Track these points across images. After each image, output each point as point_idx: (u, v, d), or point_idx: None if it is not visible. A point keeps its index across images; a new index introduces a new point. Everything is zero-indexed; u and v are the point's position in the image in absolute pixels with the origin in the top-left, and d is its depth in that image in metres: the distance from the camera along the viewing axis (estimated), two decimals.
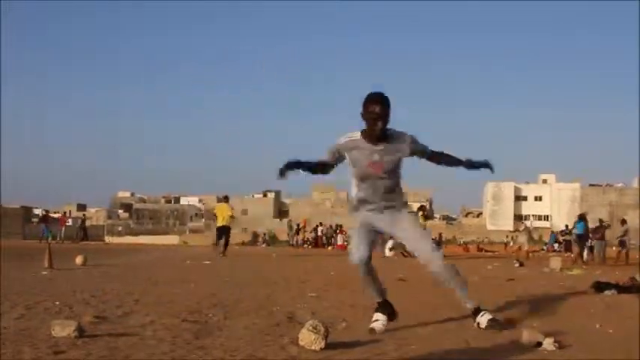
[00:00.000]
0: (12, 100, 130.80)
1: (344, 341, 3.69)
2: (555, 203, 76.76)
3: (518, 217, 76.75)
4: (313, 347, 3.42)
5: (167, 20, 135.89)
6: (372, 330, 4.16)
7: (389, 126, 4.08)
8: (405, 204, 4.36)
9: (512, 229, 61.63)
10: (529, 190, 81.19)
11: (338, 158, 4.24)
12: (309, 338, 3.44)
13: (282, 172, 4.21)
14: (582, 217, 19.83)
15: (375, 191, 4.19)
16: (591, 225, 19.80)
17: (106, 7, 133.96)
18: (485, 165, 4.38)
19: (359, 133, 4.11)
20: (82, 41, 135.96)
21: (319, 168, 4.33)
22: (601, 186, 78.17)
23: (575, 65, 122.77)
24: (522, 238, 21.69)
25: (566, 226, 23.01)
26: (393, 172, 4.20)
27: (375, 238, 4.37)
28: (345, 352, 3.42)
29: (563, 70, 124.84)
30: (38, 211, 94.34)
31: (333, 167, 4.32)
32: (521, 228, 22.64)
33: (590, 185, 78.11)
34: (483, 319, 4.21)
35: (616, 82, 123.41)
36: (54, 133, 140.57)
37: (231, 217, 17.03)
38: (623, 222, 19.78)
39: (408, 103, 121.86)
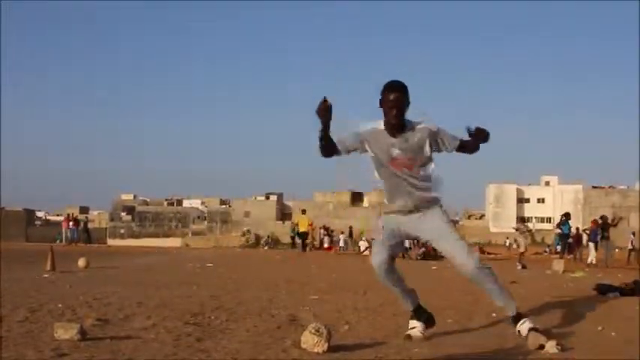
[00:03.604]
0: (12, 100, 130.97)
1: (346, 344, 3.69)
2: (558, 205, 76.63)
3: (521, 219, 76.64)
4: (315, 350, 3.42)
5: (167, 19, 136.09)
6: (408, 337, 3.98)
7: (410, 118, 3.92)
8: (437, 201, 4.03)
9: (513, 230, 61.36)
10: (531, 192, 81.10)
11: (355, 148, 3.96)
12: (311, 341, 3.44)
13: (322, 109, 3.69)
14: (567, 217, 20.30)
15: (400, 190, 3.95)
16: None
17: (106, 6, 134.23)
18: (479, 133, 3.95)
19: (381, 123, 3.92)
20: (83, 41, 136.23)
21: (333, 146, 3.91)
22: (604, 188, 78.05)
23: (578, 67, 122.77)
24: (521, 240, 22.09)
25: (577, 228, 22.97)
26: (419, 167, 3.95)
27: (398, 241, 4.11)
28: (347, 355, 3.42)
29: (566, 71, 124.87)
30: (41, 214, 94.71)
31: (339, 155, 3.96)
32: (522, 230, 22.83)
33: (593, 187, 78.01)
34: (523, 327, 3.92)
35: (618, 83, 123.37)
36: (55, 135, 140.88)
37: (310, 225, 24.16)
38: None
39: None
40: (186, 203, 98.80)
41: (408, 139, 3.91)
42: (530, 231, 22.39)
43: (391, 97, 3.85)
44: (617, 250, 20.80)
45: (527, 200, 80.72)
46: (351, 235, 37.61)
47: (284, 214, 79.80)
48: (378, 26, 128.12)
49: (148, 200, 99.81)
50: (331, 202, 74.72)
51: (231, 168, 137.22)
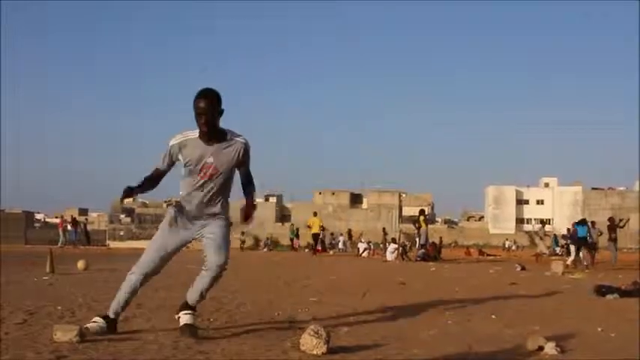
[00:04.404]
0: (11, 102, 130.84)
1: (345, 346, 3.69)
2: (557, 207, 76.68)
3: (520, 221, 76.69)
4: (315, 352, 3.42)
5: (167, 19, 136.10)
6: (87, 329, 3.89)
7: (231, 129, 3.98)
8: (226, 218, 4.14)
9: (513, 232, 61.65)
10: (531, 194, 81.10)
11: (171, 163, 4.03)
12: (310, 343, 3.44)
13: (123, 200, 4.03)
14: (583, 222, 20.16)
15: (198, 197, 4.00)
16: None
17: (106, 6, 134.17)
18: (247, 209, 4.18)
19: (196, 132, 3.93)
20: (83, 40, 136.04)
21: (157, 180, 4.08)
22: (603, 189, 78.08)
23: (578, 67, 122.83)
24: (539, 242, 22.58)
25: (568, 229, 23.04)
26: (224, 180, 4.01)
27: (168, 258, 4.16)
28: (346, 357, 3.42)
29: (566, 72, 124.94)
30: (40, 216, 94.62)
31: (164, 176, 4.09)
32: (542, 233, 23.03)
33: (592, 189, 78.04)
34: (185, 317, 4.07)
35: (618, 84, 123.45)
36: (55, 137, 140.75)
37: (321, 226, 25.16)
38: (593, 224, 19.62)
39: (405, 104, 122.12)
40: None
41: (222, 150, 3.95)
42: (540, 237, 22.64)
43: (200, 104, 3.86)
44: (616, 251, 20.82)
45: (527, 202, 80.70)
46: (350, 236, 37.64)
47: (283, 215, 79.83)
48: (377, 26, 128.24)
49: (147, 202, 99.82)
50: (331, 204, 74.71)
51: None
